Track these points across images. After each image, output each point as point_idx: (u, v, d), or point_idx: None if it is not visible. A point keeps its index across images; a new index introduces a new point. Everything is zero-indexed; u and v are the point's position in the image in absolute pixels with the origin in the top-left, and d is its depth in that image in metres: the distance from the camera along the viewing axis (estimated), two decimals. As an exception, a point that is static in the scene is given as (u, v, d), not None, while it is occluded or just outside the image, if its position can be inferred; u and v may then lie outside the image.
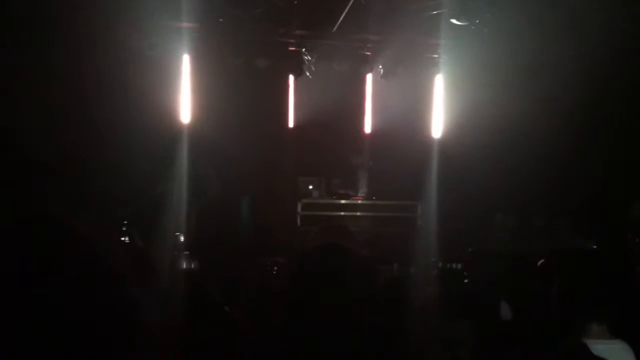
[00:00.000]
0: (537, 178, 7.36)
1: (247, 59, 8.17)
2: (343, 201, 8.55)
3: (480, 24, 7.31)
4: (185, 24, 7.66)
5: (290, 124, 9.09)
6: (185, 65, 8.29)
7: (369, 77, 9.19)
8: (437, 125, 9.16)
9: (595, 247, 4.88)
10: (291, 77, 8.88)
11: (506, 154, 7.70)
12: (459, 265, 3.89)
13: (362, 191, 8.74)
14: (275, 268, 3.24)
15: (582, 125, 6.93)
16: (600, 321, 2.15)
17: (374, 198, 8.63)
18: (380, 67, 8.76)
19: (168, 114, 8.10)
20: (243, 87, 8.12)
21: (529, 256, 3.72)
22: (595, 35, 6.10)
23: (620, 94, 6.76)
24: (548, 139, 7.27)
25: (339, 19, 7.69)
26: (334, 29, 7.94)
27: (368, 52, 8.60)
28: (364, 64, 8.68)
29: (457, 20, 7.19)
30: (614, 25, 5.85)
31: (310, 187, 8.51)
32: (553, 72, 7.20)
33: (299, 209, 8.32)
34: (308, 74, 8.49)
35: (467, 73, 8.28)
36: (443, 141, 8.89)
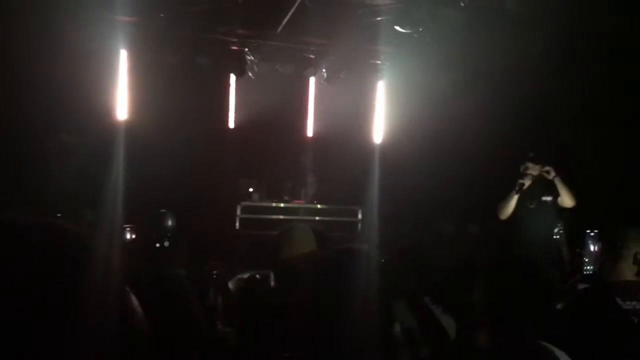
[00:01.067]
0: (475, 184, 7.50)
1: (187, 57, 7.97)
2: (283, 204, 8.45)
3: (424, 32, 7.40)
4: (124, 18, 7.40)
5: (231, 124, 8.93)
6: (123, 61, 8.02)
7: (312, 80, 9.16)
8: (379, 130, 9.23)
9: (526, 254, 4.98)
10: (233, 77, 8.73)
11: (446, 160, 7.82)
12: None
13: (305, 194, 8.67)
14: (215, 272, 3.13)
15: (521, 134, 7.11)
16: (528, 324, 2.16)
17: (315, 202, 8.58)
18: (324, 70, 8.74)
19: (104, 110, 7.82)
20: (183, 85, 7.90)
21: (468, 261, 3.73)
22: (538, 44, 6.27)
23: (562, 99, 6.98)
24: (487, 146, 7.44)
25: (283, 20, 7.62)
26: (278, 30, 7.86)
27: (312, 55, 8.57)
28: (307, 67, 8.63)
29: (401, 27, 7.25)
30: (554, 31, 6.03)
31: (251, 189, 8.37)
32: (494, 80, 7.38)
33: (238, 211, 8.16)
34: (250, 74, 8.36)
35: (409, 80, 8.38)
36: (384, 146, 8.96)
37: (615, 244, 2.78)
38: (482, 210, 7.74)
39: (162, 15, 7.31)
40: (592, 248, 3.57)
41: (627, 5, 5.76)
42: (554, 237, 5.75)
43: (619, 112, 6.64)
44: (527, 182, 5.63)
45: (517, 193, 5.66)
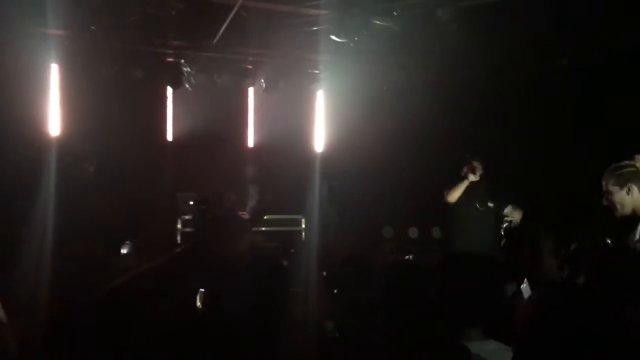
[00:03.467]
0: (416, 189, 7.64)
1: (121, 69, 7.78)
2: (225, 216, 8.34)
3: (359, 42, 7.50)
4: (53, 31, 7.17)
5: (169, 137, 8.79)
6: (54, 75, 7.79)
7: (251, 91, 9.13)
8: (319, 138, 9.29)
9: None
10: (169, 89, 8.60)
11: (386, 166, 7.94)
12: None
13: (249, 205, 8.58)
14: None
15: (459, 137, 7.29)
16: (474, 323, 2.19)
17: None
18: (263, 80, 8.71)
19: (35, 126, 7.57)
20: (117, 98, 7.72)
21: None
22: (467, 52, 6.46)
23: (494, 102, 7.19)
24: (427, 150, 7.59)
25: (219, 30, 7.56)
26: (215, 41, 7.80)
27: (250, 65, 8.52)
28: (245, 77, 8.57)
29: (337, 37, 7.32)
30: (482, 37, 6.24)
31: (191, 202, 8.25)
32: (430, 85, 7.54)
33: (179, 225, 8.04)
34: (187, 85, 8.24)
35: (347, 88, 8.47)
36: (325, 154, 9.02)
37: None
38: (425, 214, 7.89)
39: (93, 27, 7.13)
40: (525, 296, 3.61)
41: (550, 15, 6.01)
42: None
43: (548, 113, 6.92)
44: (477, 172, 5.88)
45: (466, 178, 5.90)
